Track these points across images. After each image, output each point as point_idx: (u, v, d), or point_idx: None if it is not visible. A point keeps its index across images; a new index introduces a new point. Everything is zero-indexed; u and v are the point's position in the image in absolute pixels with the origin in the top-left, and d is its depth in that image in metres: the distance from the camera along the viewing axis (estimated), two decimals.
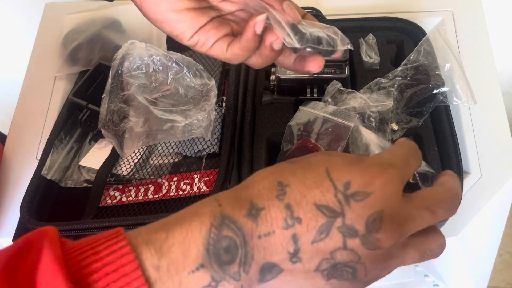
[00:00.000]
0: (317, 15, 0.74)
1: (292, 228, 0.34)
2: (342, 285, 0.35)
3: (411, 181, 0.42)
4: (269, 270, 0.34)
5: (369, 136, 0.53)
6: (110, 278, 0.31)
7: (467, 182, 0.61)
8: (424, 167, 0.45)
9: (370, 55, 0.68)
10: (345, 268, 0.34)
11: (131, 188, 0.63)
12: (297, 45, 0.44)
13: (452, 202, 0.38)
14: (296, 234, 0.34)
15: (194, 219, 0.34)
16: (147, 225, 0.35)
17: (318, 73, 0.53)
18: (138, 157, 0.66)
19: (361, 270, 0.34)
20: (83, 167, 0.67)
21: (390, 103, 0.60)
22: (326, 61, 0.48)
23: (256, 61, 0.47)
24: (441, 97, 0.60)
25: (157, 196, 0.62)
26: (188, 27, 0.46)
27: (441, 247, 0.39)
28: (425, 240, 0.38)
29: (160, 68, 0.67)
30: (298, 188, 0.35)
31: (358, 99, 0.61)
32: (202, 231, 0.33)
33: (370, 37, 0.69)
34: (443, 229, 0.57)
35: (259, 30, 0.44)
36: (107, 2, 0.68)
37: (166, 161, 0.65)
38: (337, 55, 0.46)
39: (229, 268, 0.33)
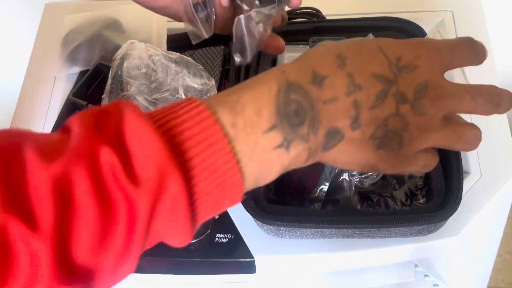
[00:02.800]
0: (317, 15, 0.74)
1: (353, 94, 0.36)
2: (387, 156, 0.38)
3: None
4: (333, 135, 0.37)
5: None
6: (191, 132, 0.32)
7: (467, 182, 0.61)
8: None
9: None
10: (394, 136, 0.37)
11: None
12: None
13: (492, 97, 0.40)
14: (357, 100, 0.36)
15: (261, 85, 0.36)
16: (214, 94, 0.37)
17: None
18: None
19: (407, 138, 0.38)
20: None
21: None
22: None
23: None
24: None
25: None
26: None
27: (477, 138, 0.41)
28: (463, 126, 0.40)
29: (160, 68, 0.67)
30: (356, 61, 0.37)
31: None
32: (272, 95, 0.35)
33: (370, 37, 0.69)
34: (442, 229, 0.57)
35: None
36: (107, 2, 0.68)
37: None
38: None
39: (299, 129, 0.35)
